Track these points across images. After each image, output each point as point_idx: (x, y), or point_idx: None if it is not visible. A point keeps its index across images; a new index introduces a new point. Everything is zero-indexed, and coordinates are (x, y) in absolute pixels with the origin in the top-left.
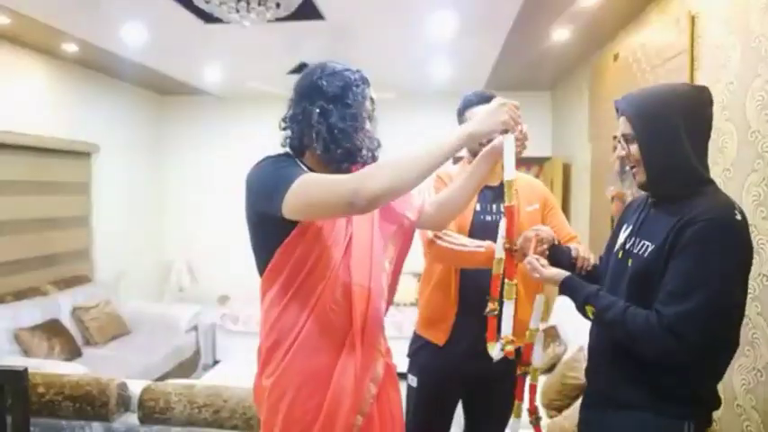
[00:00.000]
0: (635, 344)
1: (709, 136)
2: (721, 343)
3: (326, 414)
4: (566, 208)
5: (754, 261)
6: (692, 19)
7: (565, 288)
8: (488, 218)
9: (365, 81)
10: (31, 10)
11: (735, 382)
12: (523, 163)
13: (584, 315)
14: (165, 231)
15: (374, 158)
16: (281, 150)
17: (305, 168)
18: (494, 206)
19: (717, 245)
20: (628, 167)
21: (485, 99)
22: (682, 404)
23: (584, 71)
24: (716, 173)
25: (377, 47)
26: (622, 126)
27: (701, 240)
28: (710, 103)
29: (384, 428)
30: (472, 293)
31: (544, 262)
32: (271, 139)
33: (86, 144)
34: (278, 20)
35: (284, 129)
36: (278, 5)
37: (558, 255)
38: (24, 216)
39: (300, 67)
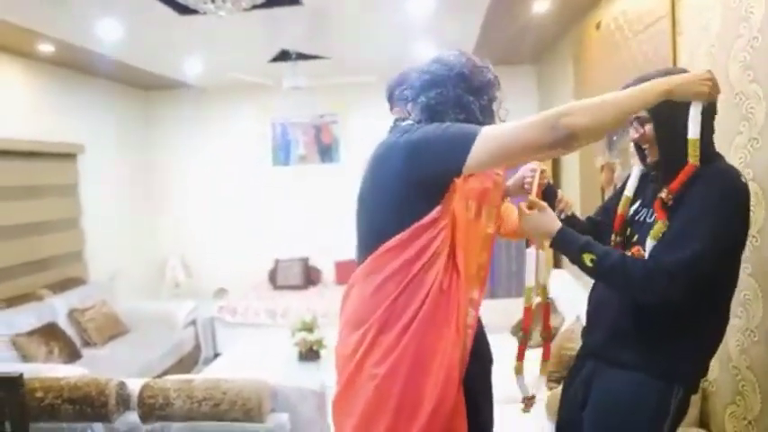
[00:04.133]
0: (632, 288)
1: (715, 116)
2: (712, 305)
3: (440, 391)
4: (556, 180)
5: None
6: None
7: (560, 238)
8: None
9: (500, 84)
10: (2, 12)
11: (729, 343)
12: None
13: (580, 263)
14: (157, 228)
15: None
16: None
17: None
18: None
19: (719, 200)
20: (641, 147)
21: None
22: (672, 369)
23: (568, 42)
24: None
25: (356, 30)
26: None
27: (704, 194)
28: None
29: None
30: None
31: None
32: (256, 128)
33: (71, 145)
34: (254, 7)
35: (404, 101)
36: None
37: (546, 195)
38: (13, 222)
39: (282, 55)
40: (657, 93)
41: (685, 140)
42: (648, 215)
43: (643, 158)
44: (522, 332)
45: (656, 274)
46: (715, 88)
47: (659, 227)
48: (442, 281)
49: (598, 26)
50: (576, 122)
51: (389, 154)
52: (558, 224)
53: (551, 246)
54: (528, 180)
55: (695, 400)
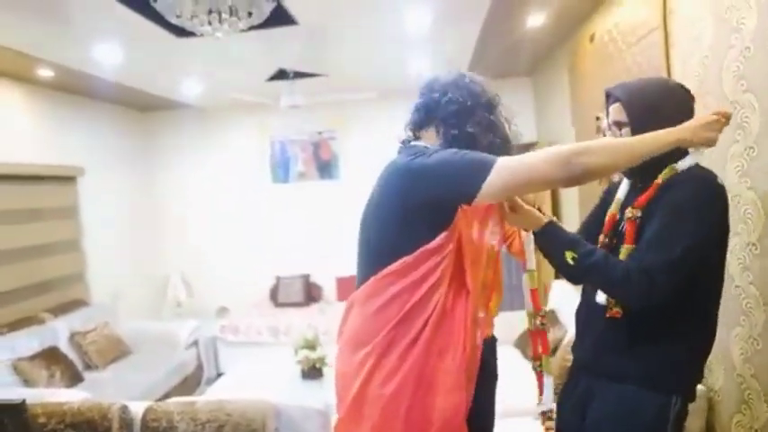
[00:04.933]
0: (612, 288)
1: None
2: (700, 310)
3: (448, 412)
4: (554, 190)
5: (741, 231)
6: None
7: (548, 230)
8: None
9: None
10: (2, 39)
11: (733, 351)
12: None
13: (560, 261)
14: (157, 247)
15: None
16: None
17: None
18: None
19: (696, 201)
20: None
21: None
22: (668, 379)
23: (563, 54)
24: None
25: (353, 47)
26: (615, 113)
27: (681, 197)
28: (693, 99)
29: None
30: None
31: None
32: (255, 146)
33: (71, 168)
34: (251, 28)
35: (415, 127)
36: (250, 14)
37: None
38: (13, 246)
39: (279, 74)
40: (671, 142)
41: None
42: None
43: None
44: (536, 314)
45: (636, 276)
46: (726, 125)
47: (627, 249)
48: (446, 303)
49: (592, 38)
50: (591, 162)
51: (400, 175)
52: (545, 219)
53: (535, 238)
54: None
55: (701, 410)
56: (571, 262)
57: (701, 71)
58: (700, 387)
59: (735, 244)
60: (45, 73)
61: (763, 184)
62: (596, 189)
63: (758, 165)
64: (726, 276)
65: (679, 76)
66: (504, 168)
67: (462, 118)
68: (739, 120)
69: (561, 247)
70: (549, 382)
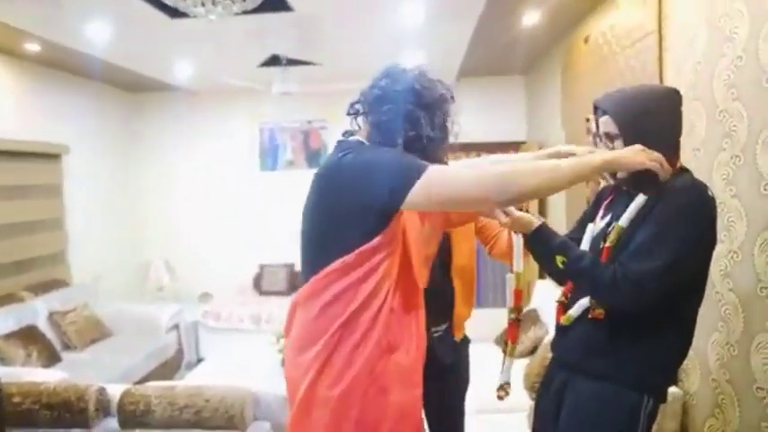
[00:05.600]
0: (600, 293)
1: (681, 132)
2: (681, 315)
3: (401, 411)
4: None
5: (724, 238)
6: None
7: (539, 234)
8: None
9: (453, 99)
10: None
11: (709, 356)
12: (499, 148)
13: (550, 264)
14: (142, 230)
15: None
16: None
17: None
18: None
19: (688, 210)
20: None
21: None
22: (643, 379)
23: (557, 54)
24: (685, 152)
25: (347, 37)
26: (606, 125)
27: (673, 205)
28: (681, 103)
29: None
30: None
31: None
32: (244, 133)
33: (56, 145)
34: (245, 12)
35: (351, 114)
36: None
37: None
38: None
39: (272, 60)
40: (599, 164)
41: (657, 151)
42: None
43: (613, 174)
44: (514, 310)
45: (623, 283)
46: (656, 162)
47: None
48: (393, 299)
49: (586, 40)
50: (525, 186)
51: (330, 175)
52: (537, 222)
53: (526, 241)
54: None
55: (675, 413)
56: (561, 266)
57: (692, 77)
58: (675, 390)
59: (717, 251)
60: (32, 47)
61: (748, 192)
62: (584, 190)
63: (744, 173)
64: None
65: (672, 82)
66: (432, 181)
67: (380, 104)
68: (727, 128)
69: (551, 251)
70: (509, 364)
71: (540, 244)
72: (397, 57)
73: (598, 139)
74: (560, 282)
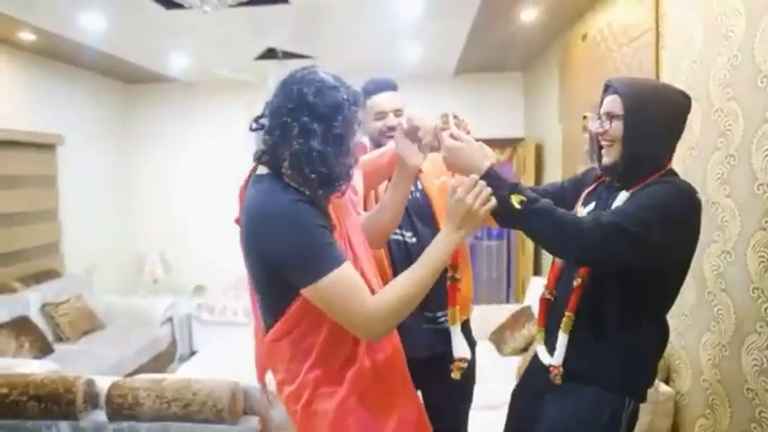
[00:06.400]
0: (559, 233)
1: (679, 137)
2: (654, 314)
3: (400, 408)
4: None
5: (717, 238)
6: None
7: (491, 173)
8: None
9: (358, 101)
10: None
11: (701, 357)
12: (497, 144)
13: (505, 205)
14: (136, 222)
15: (348, 181)
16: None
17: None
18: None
19: (670, 200)
20: (599, 144)
21: (383, 87)
22: (623, 380)
23: (554, 51)
24: (681, 151)
25: (343, 30)
26: (610, 104)
27: (657, 191)
28: (689, 110)
29: None
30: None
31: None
32: (240, 125)
33: (51, 136)
34: (240, 4)
35: (254, 129)
36: None
37: None
38: None
39: (268, 53)
40: (455, 244)
41: (652, 145)
42: None
43: (599, 158)
44: (451, 270)
45: (589, 225)
46: (471, 193)
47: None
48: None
49: (584, 38)
50: (388, 326)
51: (245, 220)
52: (488, 162)
53: (484, 176)
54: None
55: (668, 412)
56: (518, 206)
57: (689, 76)
58: (667, 389)
59: (710, 251)
60: (26, 36)
61: (742, 192)
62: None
63: (738, 173)
64: (699, 282)
65: (668, 80)
66: (333, 286)
67: (271, 119)
68: (722, 128)
69: (506, 190)
70: (456, 331)
71: (493, 183)
72: (394, 51)
73: (597, 122)
74: (512, 224)
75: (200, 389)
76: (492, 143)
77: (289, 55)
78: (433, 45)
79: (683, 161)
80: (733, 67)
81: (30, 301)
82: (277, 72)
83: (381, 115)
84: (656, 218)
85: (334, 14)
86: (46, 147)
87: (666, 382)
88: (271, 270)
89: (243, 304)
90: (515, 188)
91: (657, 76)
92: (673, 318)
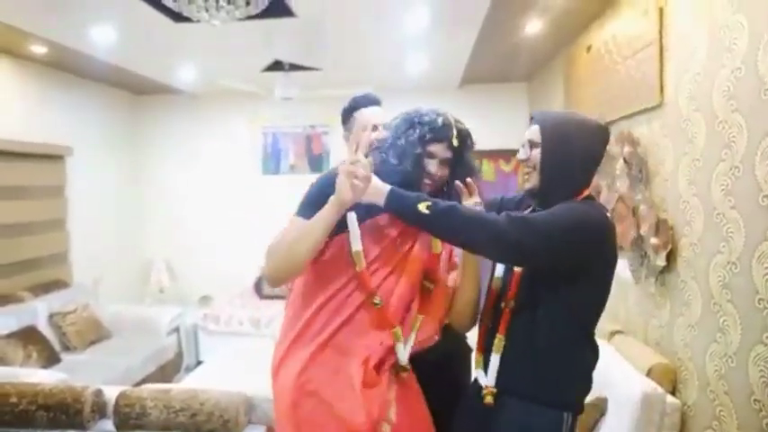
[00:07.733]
0: (468, 225)
1: (597, 167)
2: (583, 333)
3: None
4: None
5: (723, 249)
6: (661, 10)
7: (393, 196)
8: None
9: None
10: None
11: (708, 368)
12: (502, 155)
13: (416, 215)
14: (143, 232)
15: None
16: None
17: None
18: None
19: (575, 211)
20: (524, 171)
21: (371, 101)
22: (560, 396)
23: (559, 62)
24: (685, 163)
25: (350, 43)
26: (532, 133)
27: (566, 205)
28: (607, 142)
29: None
30: None
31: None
32: (247, 137)
33: (59, 147)
34: (248, 18)
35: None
36: (247, 3)
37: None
38: None
39: (275, 65)
40: (334, 212)
41: (569, 172)
42: None
43: (523, 183)
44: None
45: (497, 216)
46: (352, 175)
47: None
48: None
49: (589, 49)
50: (266, 273)
51: None
52: (388, 186)
53: (385, 205)
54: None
55: (674, 424)
56: (426, 211)
57: (692, 87)
58: (674, 401)
59: (716, 262)
60: (38, 49)
61: (747, 204)
62: None
63: (742, 185)
64: (705, 293)
65: (672, 92)
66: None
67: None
68: (727, 139)
69: (412, 202)
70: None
71: (398, 200)
72: (400, 62)
73: (522, 149)
74: (431, 229)
75: (208, 399)
76: (497, 154)
77: (296, 67)
78: (439, 56)
79: (688, 173)
80: (737, 79)
81: (38, 311)
82: (283, 84)
83: (366, 127)
84: (558, 221)
85: (341, 27)
86: (55, 157)
87: (673, 393)
88: None
89: (249, 314)
90: (420, 198)
91: (661, 88)
92: (679, 329)
